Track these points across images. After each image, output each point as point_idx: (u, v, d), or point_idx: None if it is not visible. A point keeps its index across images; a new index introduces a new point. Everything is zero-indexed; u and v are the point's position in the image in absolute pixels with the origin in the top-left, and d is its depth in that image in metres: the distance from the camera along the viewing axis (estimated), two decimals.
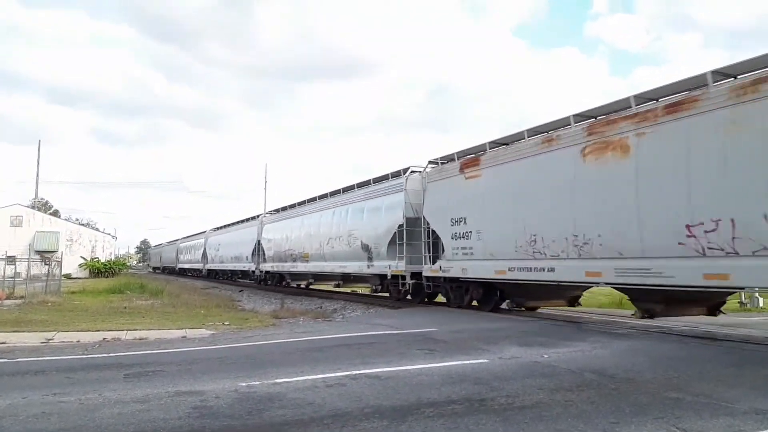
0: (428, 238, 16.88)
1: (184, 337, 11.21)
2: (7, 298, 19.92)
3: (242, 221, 38.87)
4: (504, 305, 15.91)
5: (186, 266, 57.87)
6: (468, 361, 7.65)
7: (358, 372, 6.92)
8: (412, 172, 18.16)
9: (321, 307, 19.69)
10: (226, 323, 13.61)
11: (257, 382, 6.39)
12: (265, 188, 54.85)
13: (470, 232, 14.94)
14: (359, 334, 11.07)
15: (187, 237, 60.72)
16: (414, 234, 17.42)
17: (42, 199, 70.68)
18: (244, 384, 6.32)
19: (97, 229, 60.84)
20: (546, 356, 8.01)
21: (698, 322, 12.92)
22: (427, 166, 17.40)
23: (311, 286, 29.33)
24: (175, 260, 63.26)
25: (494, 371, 6.99)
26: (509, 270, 13.48)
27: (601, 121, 11.38)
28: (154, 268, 66.04)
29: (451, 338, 10.01)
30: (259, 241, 32.48)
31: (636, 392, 5.81)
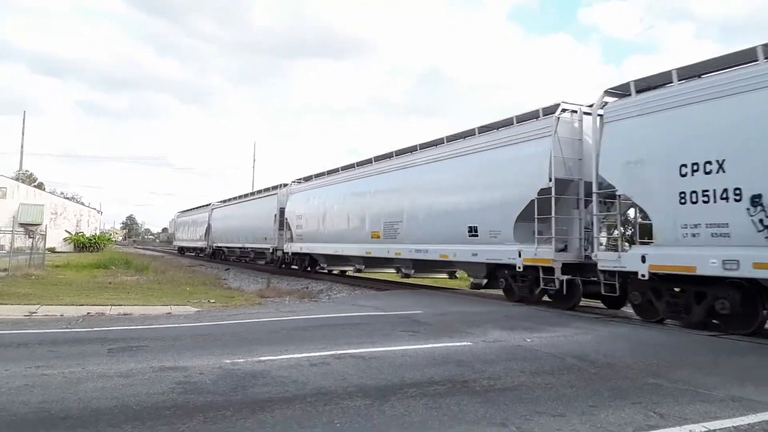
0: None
1: (169, 313, 11.19)
2: None
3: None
4: None
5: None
6: (452, 344, 7.72)
7: (342, 351, 6.97)
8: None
9: (307, 288, 19.72)
10: (211, 301, 13.60)
11: (241, 360, 6.42)
12: (253, 166, 54.63)
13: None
14: (345, 314, 11.12)
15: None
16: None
17: (26, 171, 69.69)
18: (228, 361, 6.34)
19: (82, 204, 60.32)
20: (529, 340, 8.10)
21: None
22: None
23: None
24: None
25: (477, 354, 7.07)
26: None
27: None
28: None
29: (435, 321, 10.09)
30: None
31: (615, 377, 5.91)
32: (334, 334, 8.56)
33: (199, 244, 44.18)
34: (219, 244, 40.80)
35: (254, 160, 75.79)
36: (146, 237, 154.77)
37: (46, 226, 38.15)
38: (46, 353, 6.79)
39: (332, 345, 7.41)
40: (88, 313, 10.69)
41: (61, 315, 10.33)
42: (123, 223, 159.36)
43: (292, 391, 5.16)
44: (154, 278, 21.04)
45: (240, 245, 34.63)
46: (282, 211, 27.09)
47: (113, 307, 11.55)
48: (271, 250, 28.86)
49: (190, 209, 50.45)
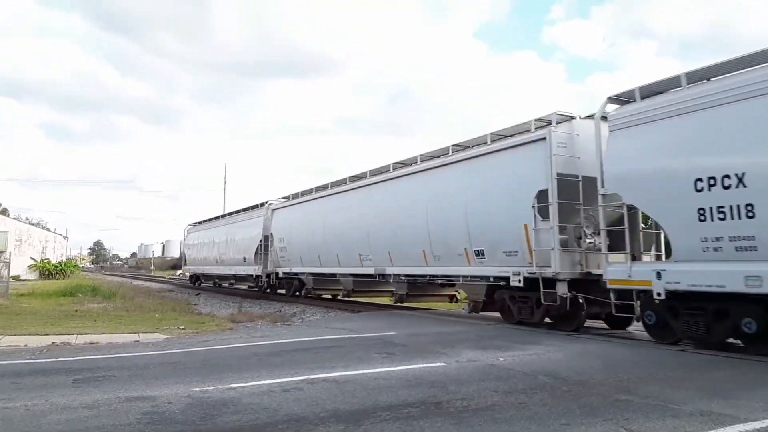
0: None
1: (137, 341, 10.93)
2: None
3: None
4: None
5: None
6: (425, 365, 7.70)
7: (315, 376, 6.89)
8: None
9: (280, 311, 19.51)
10: (181, 327, 13.34)
11: (211, 387, 6.29)
12: (224, 188, 53.99)
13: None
14: (318, 338, 11.01)
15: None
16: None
17: None
18: (197, 389, 6.21)
19: (47, 229, 58.85)
20: (502, 359, 8.12)
21: None
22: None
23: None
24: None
25: (451, 374, 7.06)
26: None
27: None
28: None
29: (410, 342, 10.06)
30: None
31: (587, 394, 5.95)
32: (307, 358, 8.46)
33: (243, 270, 27.78)
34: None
35: (225, 182, 74.81)
36: (114, 262, 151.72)
37: (10, 253, 37.06)
38: (9, 385, 6.56)
39: (305, 370, 7.33)
40: (53, 342, 10.38)
41: (25, 345, 10.01)
42: (90, 249, 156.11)
43: (263, 418, 5.07)
44: (122, 305, 20.56)
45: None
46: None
47: (79, 336, 11.24)
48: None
49: (220, 217, 34.70)
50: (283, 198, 25.27)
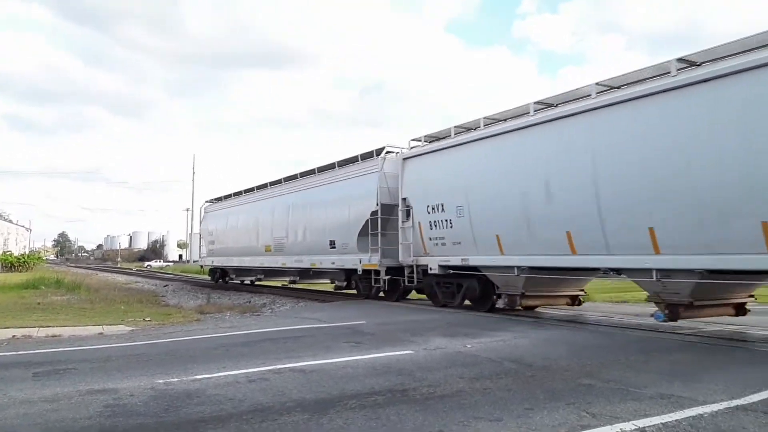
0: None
1: (101, 333, 10.71)
2: None
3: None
4: None
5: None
6: (393, 353, 7.72)
7: (282, 366, 6.84)
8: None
9: (249, 302, 19.35)
10: (147, 319, 13.12)
11: (175, 379, 6.19)
12: (193, 180, 53.05)
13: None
14: (287, 328, 10.94)
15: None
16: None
17: None
18: (161, 381, 6.11)
19: (9, 221, 57.25)
20: (469, 346, 8.19)
21: (612, 312, 13.59)
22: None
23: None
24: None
25: (418, 362, 7.09)
26: None
27: None
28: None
29: (379, 330, 10.07)
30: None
31: (551, 379, 6.04)
32: (274, 348, 8.40)
33: (332, 261, 17.97)
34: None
35: (194, 173, 73.99)
36: (80, 254, 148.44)
37: None
38: None
39: (272, 360, 7.27)
40: (14, 336, 10.10)
41: None
42: (54, 241, 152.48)
43: (227, 409, 5.01)
44: (87, 297, 20.12)
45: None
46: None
47: (41, 328, 10.96)
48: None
49: (271, 184, 23.43)
50: (416, 141, 15.43)
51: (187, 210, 73.21)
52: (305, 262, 19.24)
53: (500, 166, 12.33)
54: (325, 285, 21.72)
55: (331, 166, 19.14)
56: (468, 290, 13.58)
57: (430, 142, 15.01)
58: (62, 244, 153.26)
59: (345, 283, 18.21)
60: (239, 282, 26.96)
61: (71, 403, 5.28)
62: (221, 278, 28.39)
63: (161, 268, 75.83)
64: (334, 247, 17.60)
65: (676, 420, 4.50)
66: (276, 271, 22.32)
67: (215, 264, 28.17)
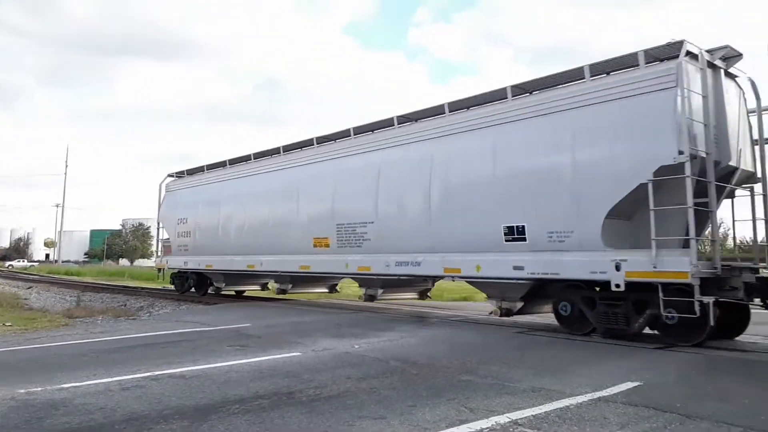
0: None
1: None
2: None
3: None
4: None
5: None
6: (280, 355, 7.61)
7: (160, 372, 6.49)
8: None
9: (125, 305, 18.21)
10: (7, 324, 11.95)
11: (39, 388, 5.68)
12: (65, 173, 49.20)
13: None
14: (166, 332, 10.42)
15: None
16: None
17: None
18: (22, 390, 5.57)
19: None
20: (357, 347, 8.26)
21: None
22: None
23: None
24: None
25: (306, 364, 7.03)
26: None
27: None
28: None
29: (265, 333, 9.88)
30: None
31: (434, 376, 6.23)
32: (151, 354, 7.96)
33: (504, 263, 10.29)
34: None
35: (66, 166, 68.42)
36: None
37: None
38: None
39: (149, 366, 6.88)
40: None
41: None
42: None
43: (98, 419, 4.67)
44: None
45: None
46: None
47: None
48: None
49: (296, 145, 16.01)
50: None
51: (57, 206, 67.59)
52: (427, 265, 11.68)
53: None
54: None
55: (499, 95, 11.06)
56: None
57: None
58: None
59: (520, 306, 10.53)
60: (237, 293, 20.13)
61: None
62: (199, 287, 19.75)
63: (25, 268, 69.29)
64: (520, 237, 10.06)
65: (545, 412, 4.80)
66: (316, 278, 16.43)
67: (190, 267, 19.36)
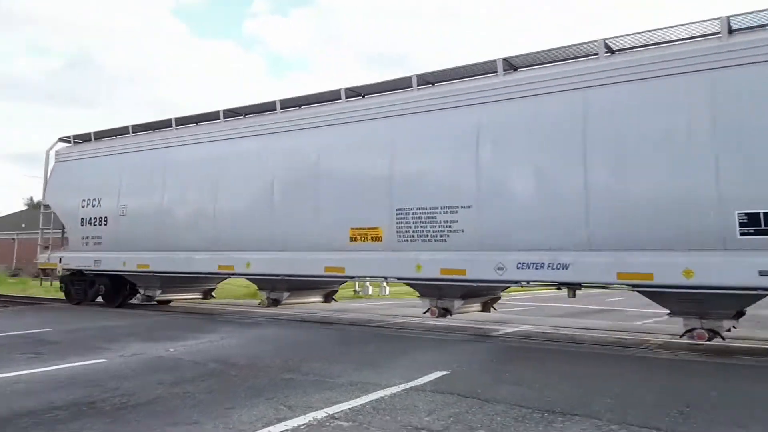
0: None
1: None
2: None
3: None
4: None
5: None
6: (83, 363, 6.92)
7: None
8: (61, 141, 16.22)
9: None
10: None
11: None
12: None
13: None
14: None
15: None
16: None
17: None
18: None
19: None
20: (172, 350, 7.82)
21: (318, 308, 14.46)
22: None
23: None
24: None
25: (112, 371, 6.48)
26: None
27: None
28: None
29: (67, 339, 8.94)
30: None
31: (255, 377, 6.12)
32: None
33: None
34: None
35: None
36: None
37: None
38: None
39: None
40: None
41: None
42: None
43: None
44: None
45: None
46: None
47: None
48: None
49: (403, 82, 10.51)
50: None
51: None
52: (598, 269, 8.12)
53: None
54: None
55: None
56: None
57: None
58: None
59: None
60: (160, 302, 15.15)
61: None
62: (112, 295, 14.70)
63: None
64: None
65: (361, 404, 4.96)
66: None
67: (105, 267, 14.15)
